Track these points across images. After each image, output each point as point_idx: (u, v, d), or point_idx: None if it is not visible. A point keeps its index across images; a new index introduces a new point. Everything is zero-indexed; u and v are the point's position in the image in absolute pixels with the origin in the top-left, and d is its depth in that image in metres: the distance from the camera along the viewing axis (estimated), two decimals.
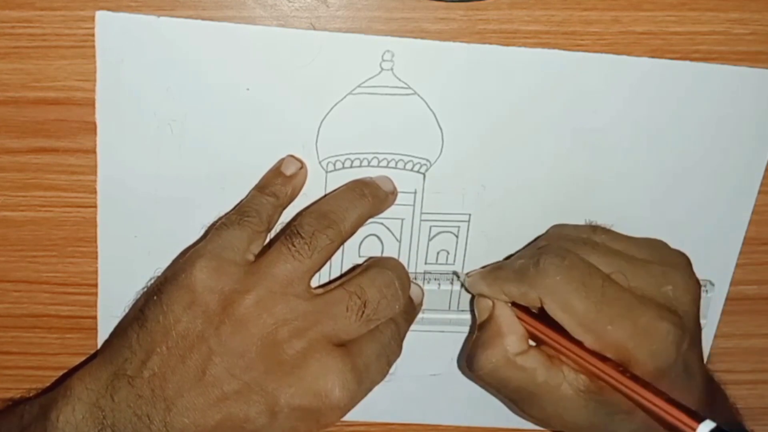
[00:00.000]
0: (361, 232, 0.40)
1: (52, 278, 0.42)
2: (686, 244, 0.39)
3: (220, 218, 0.38)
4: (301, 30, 0.37)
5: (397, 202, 0.40)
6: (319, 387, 0.34)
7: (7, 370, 0.43)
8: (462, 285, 0.42)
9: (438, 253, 0.42)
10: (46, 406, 0.35)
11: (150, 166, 0.39)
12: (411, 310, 0.40)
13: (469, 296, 0.42)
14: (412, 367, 0.44)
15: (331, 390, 0.34)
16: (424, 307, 0.41)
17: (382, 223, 0.41)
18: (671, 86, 0.39)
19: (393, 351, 0.38)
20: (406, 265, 0.41)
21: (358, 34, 0.38)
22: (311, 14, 0.37)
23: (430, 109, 0.39)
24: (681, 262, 0.38)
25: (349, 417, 0.45)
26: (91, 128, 0.39)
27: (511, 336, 0.37)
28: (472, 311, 0.43)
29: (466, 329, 0.43)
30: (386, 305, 0.37)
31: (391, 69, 0.38)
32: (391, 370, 0.43)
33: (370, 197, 0.39)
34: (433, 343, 0.44)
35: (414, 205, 0.41)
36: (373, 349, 0.36)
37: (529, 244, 0.42)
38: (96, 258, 0.41)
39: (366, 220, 0.38)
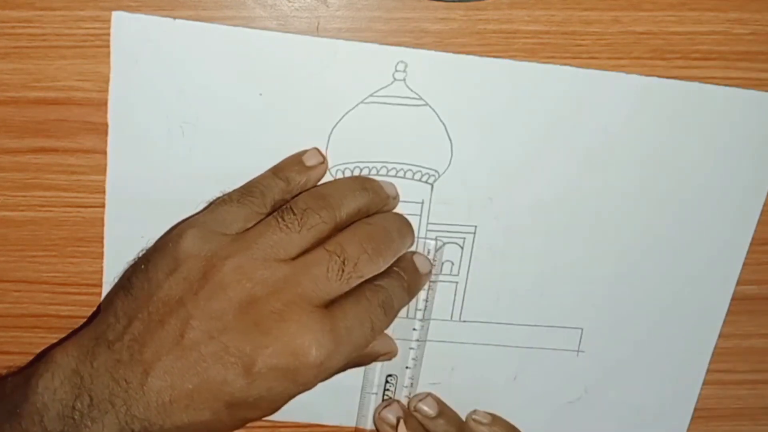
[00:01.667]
0: None
1: (52, 278, 0.42)
2: (692, 253, 0.40)
3: (223, 194, 0.38)
4: (315, 37, 0.37)
5: (404, 211, 0.40)
6: (295, 345, 0.34)
7: (8, 370, 0.43)
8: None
9: (442, 263, 0.42)
10: (28, 374, 0.35)
11: (160, 167, 0.39)
12: (414, 279, 0.39)
13: (469, 307, 0.43)
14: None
15: (308, 348, 0.34)
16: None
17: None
18: (681, 104, 0.39)
19: (379, 318, 0.37)
20: None
21: (372, 44, 0.38)
22: (311, 14, 0.37)
23: (441, 121, 0.39)
24: None
25: (350, 423, 0.45)
26: (91, 128, 0.39)
27: None
28: (472, 321, 0.43)
29: (467, 340, 0.43)
30: (367, 260, 0.36)
31: (404, 80, 0.38)
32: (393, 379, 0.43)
33: (371, 193, 0.39)
34: (433, 352, 0.44)
35: (420, 215, 0.41)
36: (356, 313, 0.36)
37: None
38: (96, 258, 0.41)
39: (362, 215, 0.38)
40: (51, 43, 0.37)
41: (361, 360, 0.41)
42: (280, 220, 0.36)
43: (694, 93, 0.39)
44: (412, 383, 0.44)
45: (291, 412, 0.37)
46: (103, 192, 0.40)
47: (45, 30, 0.37)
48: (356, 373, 0.43)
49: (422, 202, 0.41)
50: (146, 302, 0.35)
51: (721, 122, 0.40)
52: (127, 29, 0.37)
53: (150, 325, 0.34)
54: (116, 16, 0.37)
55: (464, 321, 0.43)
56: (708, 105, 0.39)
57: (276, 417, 0.36)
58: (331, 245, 0.36)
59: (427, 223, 0.41)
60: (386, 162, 0.40)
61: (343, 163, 0.40)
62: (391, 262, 0.38)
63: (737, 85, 0.39)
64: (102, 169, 0.40)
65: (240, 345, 0.34)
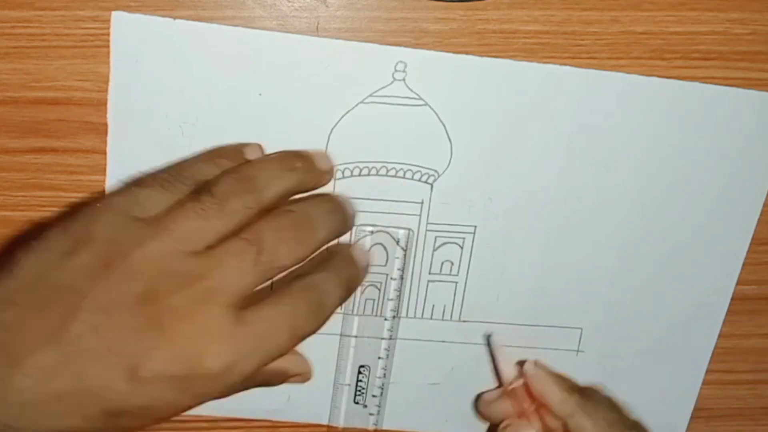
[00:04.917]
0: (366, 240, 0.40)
1: None
2: (692, 253, 0.40)
3: (147, 173, 0.36)
4: (314, 37, 0.37)
5: (404, 211, 0.40)
6: (190, 351, 0.30)
7: None
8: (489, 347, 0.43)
9: (442, 263, 0.42)
10: None
11: (160, 167, 0.39)
12: (351, 275, 0.36)
13: (469, 307, 0.43)
14: (412, 375, 0.44)
15: (202, 355, 0.30)
16: (425, 317, 0.41)
17: (387, 232, 0.41)
18: (681, 104, 0.39)
19: (304, 320, 0.33)
20: (409, 274, 0.41)
21: (371, 44, 0.38)
22: (311, 14, 0.37)
23: (440, 121, 0.39)
24: None
25: (348, 423, 0.45)
26: (91, 128, 0.39)
27: None
28: (472, 322, 0.43)
29: (467, 340, 0.43)
30: (288, 251, 0.32)
31: (404, 79, 0.38)
32: (393, 379, 0.43)
33: (301, 171, 0.36)
34: (433, 352, 0.44)
35: (420, 215, 0.41)
36: (272, 316, 0.32)
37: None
38: None
39: (292, 195, 0.35)
40: (50, 43, 0.37)
41: (269, 380, 0.37)
42: (197, 203, 0.32)
43: (694, 93, 0.39)
44: (384, 374, 0.43)
45: (239, 405, 0.36)
46: (103, 192, 0.40)
47: (44, 30, 0.37)
48: (328, 364, 0.43)
49: (422, 202, 0.41)
50: (29, 285, 0.30)
51: (721, 122, 0.40)
52: (127, 29, 0.37)
53: (26, 312, 0.30)
54: (116, 16, 0.37)
55: (464, 321, 0.43)
56: (708, 105, 0.39)
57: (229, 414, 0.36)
58: (248, 233, 0.32)
59: (427, 223, 0.41)
60: (386, 162, 0.40)
61: (343, 164, 0.40)
62: (315, 252, 0.34)
63: (737, 85, 0.39)
64: (102, 169, 0.40)
65: (127, 344, 0.30)
